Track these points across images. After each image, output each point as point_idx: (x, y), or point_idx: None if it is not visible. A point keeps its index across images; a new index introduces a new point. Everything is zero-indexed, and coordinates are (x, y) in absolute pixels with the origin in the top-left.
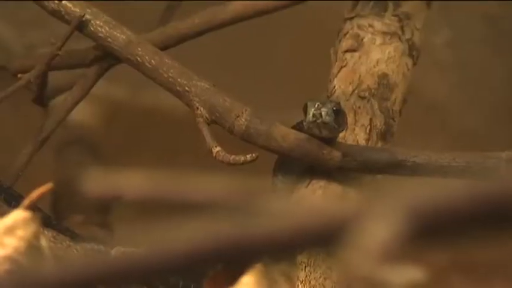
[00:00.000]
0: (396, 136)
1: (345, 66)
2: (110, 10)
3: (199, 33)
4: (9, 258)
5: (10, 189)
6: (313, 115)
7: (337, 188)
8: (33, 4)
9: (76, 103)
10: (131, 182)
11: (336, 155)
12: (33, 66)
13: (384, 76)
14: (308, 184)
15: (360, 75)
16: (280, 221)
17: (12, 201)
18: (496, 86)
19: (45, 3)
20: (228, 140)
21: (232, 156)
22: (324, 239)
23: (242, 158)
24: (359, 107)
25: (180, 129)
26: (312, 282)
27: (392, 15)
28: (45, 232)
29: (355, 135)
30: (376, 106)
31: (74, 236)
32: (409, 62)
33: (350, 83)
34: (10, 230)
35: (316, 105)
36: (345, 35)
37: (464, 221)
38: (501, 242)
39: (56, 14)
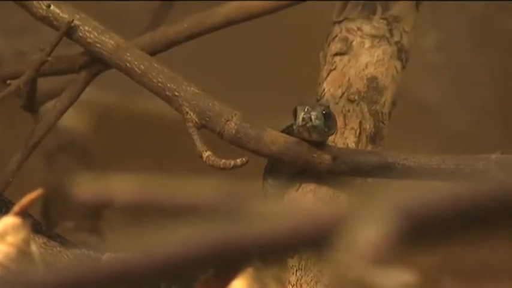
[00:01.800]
0: (386, 139)
1: (334, 69)
2: (97, 14)
3: (189, 38)
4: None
5: (0, 196)
6: (303, 119)
7: (328, 192)
8: (22, 10)
9: (65, 109)
10: (121, 187)
11: (326, 158)
12: (23, 73)
13: (373, 79)
14: (298, 188)
15: (349, 79)
16: (270, 225)
17: (2, 207)
18: (486, 88)
19: (34, 9)
20: (218, 144)
21: (223, 161)
22: (314, 242)
23: (232, 163)
24: (348, 110)
25: (170, 134)
26: (304, 286)
27: (381, 18)
28: (36, 238)
29: (344, 138)
30: (365, 109)
31: (64, 242)
32: (398, 64)
33: (339, 86)
34: (0, 237)
35: (306, 109)
36: (334, 38)
37: (454, 223)
38: (491, 243)
39: (45, 20)
